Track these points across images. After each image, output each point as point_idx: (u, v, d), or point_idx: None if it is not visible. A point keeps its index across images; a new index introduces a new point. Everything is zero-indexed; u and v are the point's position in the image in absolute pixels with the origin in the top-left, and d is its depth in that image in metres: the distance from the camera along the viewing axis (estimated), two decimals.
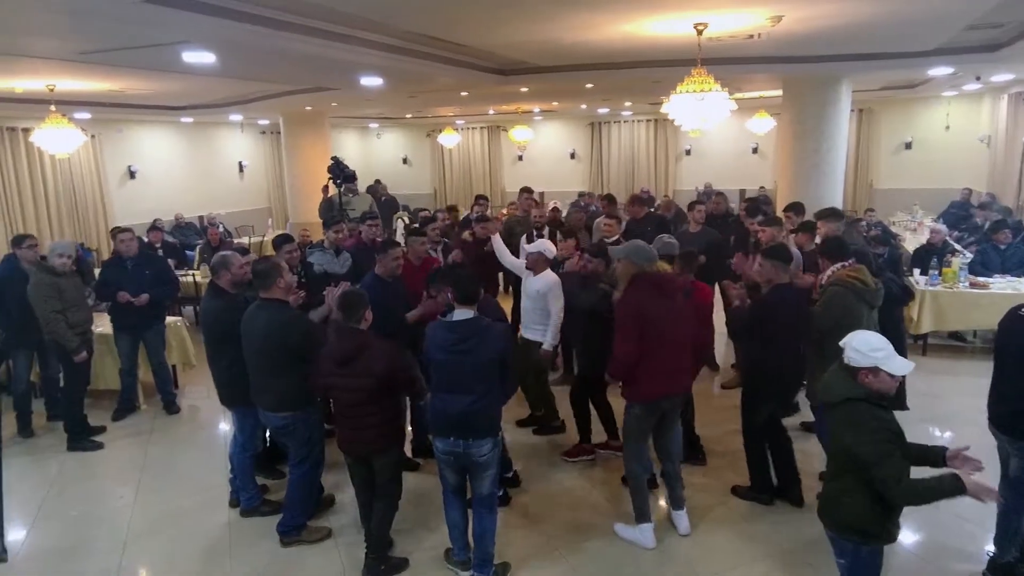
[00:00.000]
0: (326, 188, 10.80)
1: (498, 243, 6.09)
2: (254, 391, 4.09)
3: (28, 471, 5.37)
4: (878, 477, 2.63)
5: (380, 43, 6.41)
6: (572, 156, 18.51)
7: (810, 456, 4.85)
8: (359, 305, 3.66)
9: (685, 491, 4.28)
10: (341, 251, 6.13)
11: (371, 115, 16.66)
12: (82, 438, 5.70)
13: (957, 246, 8.73)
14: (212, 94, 10.57)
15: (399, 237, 8.45)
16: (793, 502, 4.40)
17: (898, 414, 2.82)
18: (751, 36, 6.65)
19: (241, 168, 15.96)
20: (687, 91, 5.91)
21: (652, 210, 10.21)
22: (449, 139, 16.77)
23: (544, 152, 18.68)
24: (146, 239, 8.93)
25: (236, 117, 14.06)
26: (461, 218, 8.35)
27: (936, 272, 7.22)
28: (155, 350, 6.29)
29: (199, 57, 5.94)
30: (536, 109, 16.00)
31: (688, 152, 17.27)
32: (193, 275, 8.97)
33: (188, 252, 10.51)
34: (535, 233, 6.73)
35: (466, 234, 6.87)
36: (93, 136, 12.02)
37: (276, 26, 5.21)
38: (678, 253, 4.79)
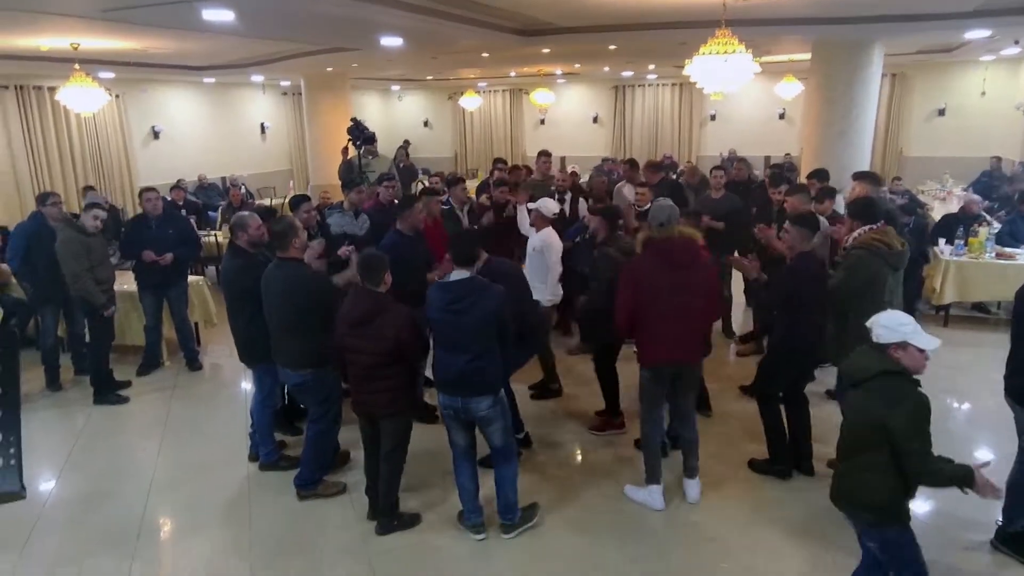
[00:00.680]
0: (346, 150, 10.80)
1: (521, 211, 6.09)
2: (274, 349, 4.17)
3: (56, 424, 5.56)
4: (910, 451, 2.61)
5: (401, 2, 6.33)
6: (595, 120, 18.26)
7: (826, 423, 4.86)
8: (379, 268, 3.68)
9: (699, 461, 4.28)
10: (360, 212, 6.15)
11: (392, 76, 16.54)
12: (108, 392, 5.86)
13: (987, 216, 8.53)
14: (233, 54, 10.56)
15: None
16: (805, 472, 4.40)
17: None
18: None
19: (263, 129, 16.00)
20: (710, 53, 5.78)
21: (674, 176, 10.11)
22: (471, 102, 16.62)
23: (566, 116, 18.45)
24: (169, 198, 9.04)
25: (258, 78, 14.04)
26: (479, 182, 8.33)
27: (962, 242, 7.07)
28: (178, 308, 6.41)
29: (218, 15, 5.92)
30: (558, 71, 15.75)
31: (713, 117, 16.94)
32: (215, 235, 9.08)
33: (211, 213, 10.63)
34: (557, 198, 6.68)
35: (483, 198, 6.86)
36: (117, 96, 12.12)
37: None
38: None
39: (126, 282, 6.44)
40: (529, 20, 8.18)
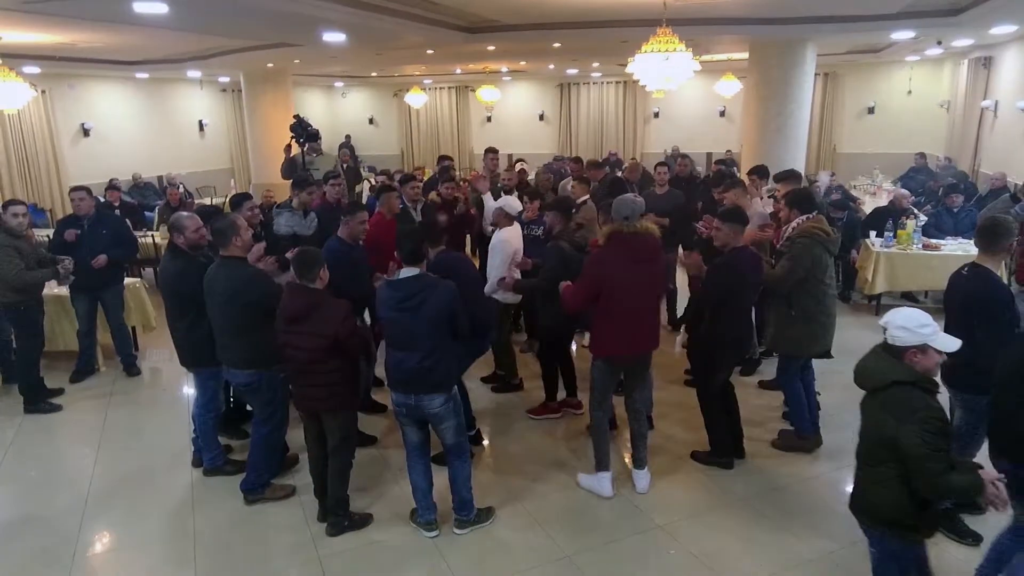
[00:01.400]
0: (288, 147, 10.58)
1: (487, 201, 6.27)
2: (220, 349, 4.08)
3: None
4: (922, 470, 2.47)
5: None
6: (541, 118, 18.37)
7: (760, 409, 5.04)
8: (313, 264, 3.64)
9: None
10: (309, 212, 6.05)
11: (335, 73, 16.28)
12: (39, 400, 5.61)
13: (914, 209, 8.94)
14: (169, 49, 10.22)
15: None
16: (738, 455, 4.58)
17: (848, 368, 2.88)
18: None
19: (201, 127, 15.53)
20: (652, 51, 5.89)
21: (618, 173, 10.24)
22: (416, 99, 16.49)
23: (513, 113, 18.50)
24: (103, 199, 8.69)
25: (195, 74, 13.61)
26: (427, 179, 8.29)
27: (891, 234, 7.40)
28: (114, 312, 6.17)
29: (151, 7, 5.71)
30: (504, 69, 15.78)
31: (656, 115, 17.25)
32: (153, 236, 8.78)
33: (148, 213, 10.27)
34: (502, 195, 6.71)
35: (432, 195, 6.83)
36: (43, 91, 11.57)
37: None
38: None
39: (55, 285, 6.15)
40: (473, 17, 8.17)
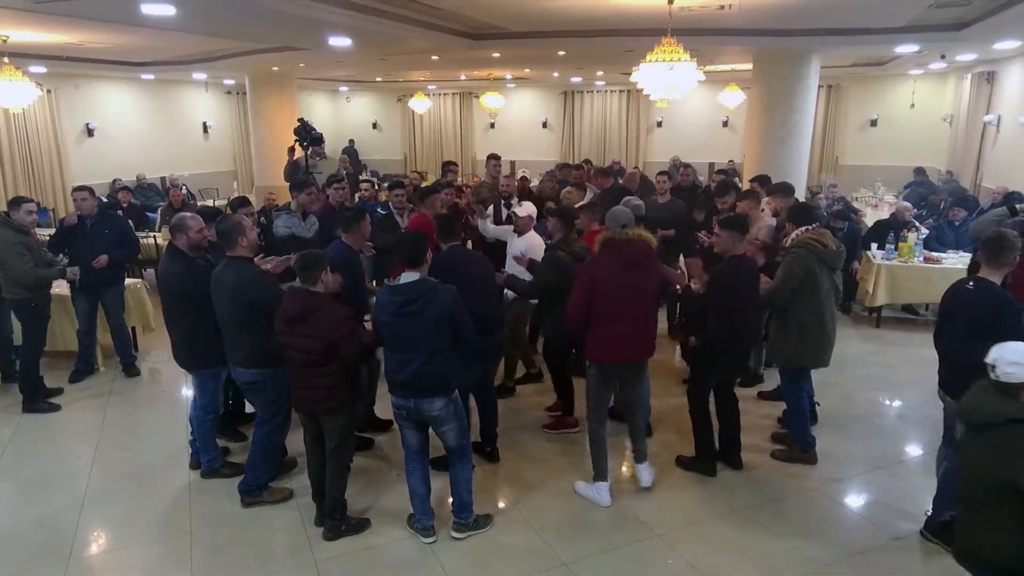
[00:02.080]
0: (292, 150, 10.61)
1: (482, 223, 6.30)
2: (227, 348, 4.09)
3: None
4: None
5: (349, 2, 6.27)
6: (544, 125, 18.39)
7: (759, 420, 5.04)
8: (316, 266, 3.65)
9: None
10: (308, 214, 6.05)
11: (340, 77, 16.32)
12: (37, 399, 5.61)
13: (916, 222, 8.94)
14: (175, 50, 10.26)
15: None
16: (733, 466, 4.57)
17: (848, 379, 2.88)
18: (722, 7, 6.64)
19: (205, 129, 15.56)
20: (656, 60, 5.91)
21: (619, 181, 10.27)
22: (420, 104, 16.53)
23: (516, 120, 18.53)
24: (106, 199, 8.71)
25: (200, 76, 13.65)
26: (430, 183, 8.29)
27: (892, 247, 7.40)
28: (114, 312, 6.17)
29: (158, 9, 5.73)
30: (508, 76, 15.82)
31: (660, 124, 17.28)
32: (155, 237, 8.79)
33: (150, 214, 10.29)
34: (503, 203, 6.72)
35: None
36: (49, 91, 11.62)
37: None
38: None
39: (58, 284, 6.16)
40: (479, 24, 8.20)
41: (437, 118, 19.06)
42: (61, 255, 5.81)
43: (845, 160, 15.60)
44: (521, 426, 5.22)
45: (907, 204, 8.64)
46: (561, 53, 10.13)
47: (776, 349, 4.65)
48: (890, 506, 4.20)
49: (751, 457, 4.66)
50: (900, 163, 13.95)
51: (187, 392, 5.70)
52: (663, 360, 6.19)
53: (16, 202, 5.50)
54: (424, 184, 7.48)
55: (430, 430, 3.79)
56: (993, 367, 2.53)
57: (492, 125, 18.76)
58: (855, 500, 4.33)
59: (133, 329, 6.63)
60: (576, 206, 6.08)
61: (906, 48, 9.15)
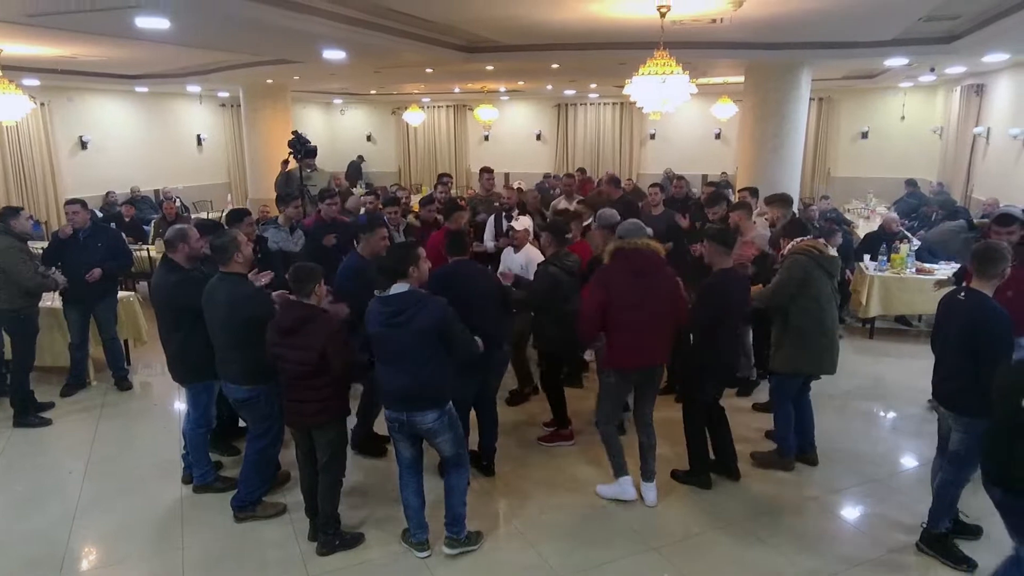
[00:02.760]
0: (285, 162, 10.61)
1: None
2: (219, 363, 4.05)
3: None
4: None
5: (343, 15, 6.29)
6: (538, 137, 18.47)
7: (753, 431, 5.03)
8: (310, 279, 3.64)
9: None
10: (295, 228, 6.04)
11: (335, 90, 16.37)
12: (28, 413, 5.56)
13: (907, 234, 9.00)
14: (169, 63, 10.26)
15: None
16: (731, 477, 4.56)
17: (842, 391, 2.89)
18: (714, 20, 6.70)
19: (199, 141, 15.56)
20: (649, 73, 5.95)
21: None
22: (414, 117, 16.58)
23: (510, 133, 18.60)
24: (100, 212, 8.69)
25: (194, 88, 13.67)
26: (423, 196, 8.31)
27: (885, 258, 7.43)
28: (106, 325, 6.14)
29: (153, 23, 5.74)
30: (502, 88, 15.90)
31: (653, 136, 17.37)
32: (148, 249, 8.77)
33: (144, 226, 10.27)
34: (503, 215, 6.71)
35: (411, 217, 6.86)
36: (42, 104, 11.60)
37: None
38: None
39: (48, 297, 6.13)
40: (473, 37, 8.25)
41: (431, 130, 19.12)
42: (54, 268, 5.78)
43: (837, 172, 15.70)
44: (518, 440, 5.20)
45: (894, 216, 8.71)
46: (555, 66, 10.19)
47: (774, 355, 4.66)
48: (886, 518, 4.19)
49: (746, 469, 4.66)
50: (891, 175, 14.05)
51: (180, 405, 5.67)
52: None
53: (14, 210, 5.52)
54: (421, 196, 7.51)
55: (424, 444, 3.77)
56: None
57: (486, 137, 18.82)
58: (851, 512, 4.33)
59: (125, 342, 6.60)
60: (586, 223, 6.14)
61: (896, 61, 9.24)
